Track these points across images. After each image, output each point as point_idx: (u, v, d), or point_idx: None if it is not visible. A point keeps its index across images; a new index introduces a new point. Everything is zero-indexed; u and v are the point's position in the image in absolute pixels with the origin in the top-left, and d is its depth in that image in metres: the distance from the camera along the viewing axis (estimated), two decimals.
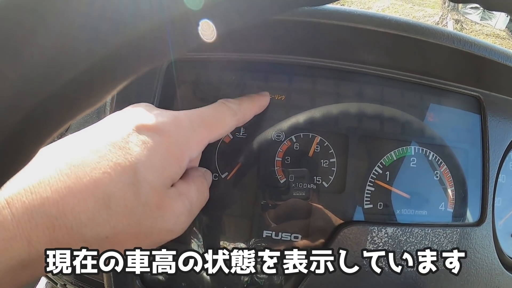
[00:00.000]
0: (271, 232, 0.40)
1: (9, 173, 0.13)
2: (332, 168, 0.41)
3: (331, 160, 0.41)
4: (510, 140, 0.47)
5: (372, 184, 0.41)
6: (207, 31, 0.13)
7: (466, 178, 0.45)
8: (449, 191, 0.44)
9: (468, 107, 0.46)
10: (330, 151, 0.41)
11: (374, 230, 0.39)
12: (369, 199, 0.41)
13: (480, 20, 7.45)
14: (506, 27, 6.95)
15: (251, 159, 0.41)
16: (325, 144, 0.41)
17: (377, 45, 0.40)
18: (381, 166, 0.41)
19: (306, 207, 0.40)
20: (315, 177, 0.40)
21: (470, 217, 0.45)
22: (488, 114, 0.46)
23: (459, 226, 0.43)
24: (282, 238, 0.40)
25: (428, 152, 0.43)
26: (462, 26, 6.76)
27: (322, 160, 0.41)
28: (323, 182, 0.40)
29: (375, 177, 0.41)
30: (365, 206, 0.41)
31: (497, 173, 0.46)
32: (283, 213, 0.40)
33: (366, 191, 0.41)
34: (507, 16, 6.92)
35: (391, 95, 0.43)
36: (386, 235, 0.39)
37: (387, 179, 0.41)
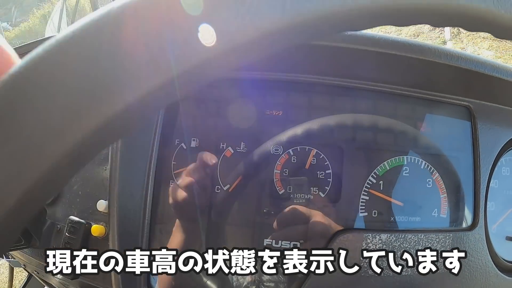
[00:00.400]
0: (271, 240, 0.42)
1: None
2: (328, 179, 0.43)
3: (327, 171, 0.43)
4: (501, 146, 0.49)
5: (366, 193, 0.43)
6: (207, 35, 0.13)
7: (458, 184, 0.47)
8: (442, 197, 0.46)
9: (459, 116, 0.48)
10: (326, 163, 0.43)
11: (369, 237, 0.41)
12: (364, 207, 0.43)
13: None
14: None
15: (251, 172, 0.43)
16: (321, 156, 0.43)
17: (370, 62, 0.42)
18: (375, 176, 0.43)
19: (304, 216, 0.42)
20: (312, 188, 0.43)
21: (463, 222, 0.47)
22: (479, 122, 0.48)
23: (452, 231, 0.45)
24: (282, 246, 0.42)
25: (420, 161, 0.45)
26: (459, 30, 6.79)
27: (318, 172, 0.43)
28: (320, 192, 0.43)
29: (369, 186, 0.43)
30: (360, 214, 0.43)
31: (488, 178, 0.48)
32: (282, 222, 0.42)
33: (361, 200, 0.43)
34: None
35: (384, 107, 0.46)
36: (380, 241, 0.41)
37: (381, 188, 0.43)
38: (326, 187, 0.43)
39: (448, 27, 6.77)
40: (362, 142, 0.44)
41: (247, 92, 0.44)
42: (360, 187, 0.43)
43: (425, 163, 0.46)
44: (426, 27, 7.55)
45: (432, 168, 0.46)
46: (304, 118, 0.43)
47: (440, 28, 7.06)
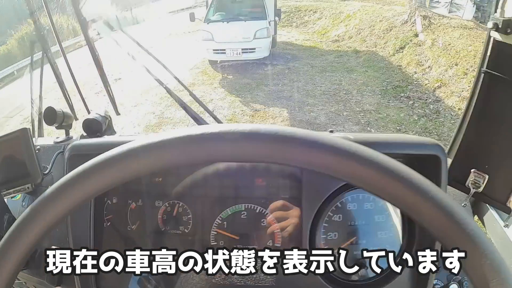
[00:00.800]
0: None
1: None
2: (190, 221, 0.67)
3: (188, 216, 0.67)
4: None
5: (215, 231, 0.67)
6: None
7: (289, 222, 0.71)
8: (275, 232, 0.70)
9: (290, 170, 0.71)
10: (188, 211, 0.67)
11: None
12: (214, 238, 0.67)
13: (448, 12, 7.76)
14: (473, 16, 7.23)
15: (145, 217, 0.70)
16: (184, 207, 0.67)
17: None
18: (220, 218, 0.67)
19: (176, 245, 0.67)
20: (179, 226, 0.67)
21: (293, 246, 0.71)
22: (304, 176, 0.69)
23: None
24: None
25: (255, 207, 0.69)
26: (430, 21, 7.05)
27: (183, 216, 0.67)
28: (185, 230, 0.67)
29: (216, 225, 0.67)
30: (211, 243, 0.67)
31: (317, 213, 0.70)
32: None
33: (211, 234, 0.67)
34: (473, 6, 7.23)
35: (230, 168, 0.69)
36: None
37: (225, 227, 0.67)
38: (188, 226, 0.68)
39: (419, 20, 7.03)
40: (212, 195, 0.68)
41: None
42: (210, 226, 0.67)
43: (260, 208, 0.67)
44: (398, 21, 7.81)
45: (266, 211, 0.69)
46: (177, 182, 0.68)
47: (412, 21, 7.30)
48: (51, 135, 1.19)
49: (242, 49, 6.10)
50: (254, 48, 6.14)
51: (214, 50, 6.16)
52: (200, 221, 0.67)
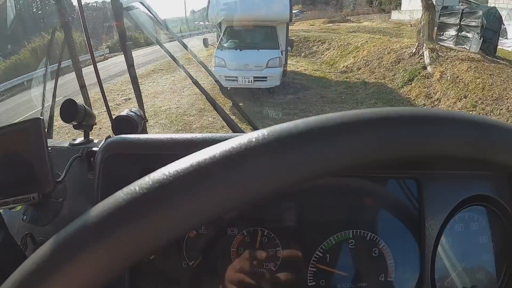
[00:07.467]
0: None
1: None
2: (278, 255, 0.47)
3: (277, 248, 0.48)
4: (452, 206, 0.52)
5: (314, 266, 0.48)
6: None
7: (405, 249, 0.52)
8: (388, 263, 0.51)
9: (405, 187, 0.52)
10: (276, 241, 0.48)
11: None
12: (312, 277, 0.47)
13: (455, 45, 7.88)
14: (480, 49, 7.32)
15: (212, 250, 0.48)
16: (271, 236, 0.48)
17: None
18: (322, 250, 0.48)
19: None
20: (264, 263, 0.47)
21: (410, 283, 0.51)
22: (424, 189, 0.51)
23: None
24: None
25: (366, 233, 0.50)
26: (438, 54, 7.12)
27: (269, 249, 0.48)
28: (271, 267, 0.47)
29: (316, 260, 0.48)
30: (309, 284, 0.47)
31: (436, 238, 0.52)
32: None
33: (309, 272, 0.47)
34: (480, 39, 7.34)
35: (332, 186, 0.51)
36: None
37: (327, 261, 0.48)
38: (277, 262, 0.47)
39: (427, 53, 7.10)
40: (310, 221, 0.49)
41: None
42: (308, 261, 0.47)
43: (371, 235, 0.50)
44: (406, 54, 7.90)
45: (378, 238, 0.50)
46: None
47: (419, 54, 7.38)
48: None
49: (254, 77, 6.09)
50: (266, 77, 6.14)
51: (226, 77, 6.15)
52: (294, 255, 0.48)
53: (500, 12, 7.77)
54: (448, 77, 6.46)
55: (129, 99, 6.14)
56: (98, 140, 0.80)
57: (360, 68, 8.35)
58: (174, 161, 0.16)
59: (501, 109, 5.44)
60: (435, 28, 8.04)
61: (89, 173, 0.70)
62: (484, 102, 5.72)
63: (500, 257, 0.54)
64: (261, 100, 6.35)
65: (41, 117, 0.62)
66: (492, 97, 5.71)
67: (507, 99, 5.54)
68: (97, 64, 0.89)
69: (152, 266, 0.49)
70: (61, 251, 0.15)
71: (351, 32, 10.95)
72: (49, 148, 0.64)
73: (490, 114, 5.39)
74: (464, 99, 5.93)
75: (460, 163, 0.46)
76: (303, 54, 10.45)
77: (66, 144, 0.78)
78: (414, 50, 7.58)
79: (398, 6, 16.03)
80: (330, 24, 14.10)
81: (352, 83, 7.61)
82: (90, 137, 0.80)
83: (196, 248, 0.48)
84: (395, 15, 15.14)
